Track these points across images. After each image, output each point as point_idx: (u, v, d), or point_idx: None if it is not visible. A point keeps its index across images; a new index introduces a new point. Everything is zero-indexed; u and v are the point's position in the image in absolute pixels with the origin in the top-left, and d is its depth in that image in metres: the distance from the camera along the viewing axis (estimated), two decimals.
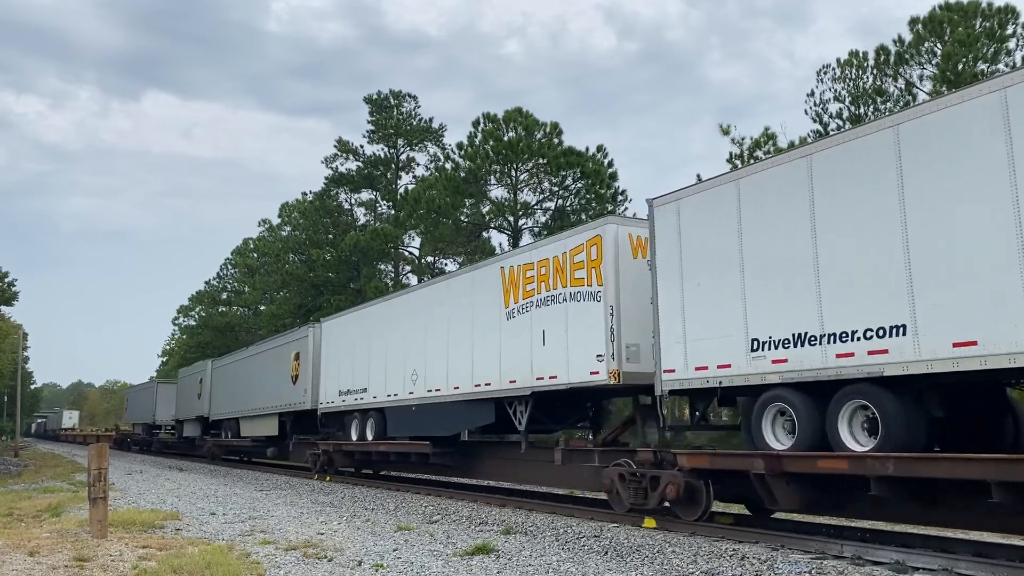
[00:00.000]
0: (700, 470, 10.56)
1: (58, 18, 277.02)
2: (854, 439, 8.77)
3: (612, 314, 12.14)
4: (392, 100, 49.03)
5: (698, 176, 32.34)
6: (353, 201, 52.16)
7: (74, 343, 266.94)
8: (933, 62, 28.07)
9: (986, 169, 7.68)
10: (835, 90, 30.43)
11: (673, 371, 10.84)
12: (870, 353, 8.47)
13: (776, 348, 9.49)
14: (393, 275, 46.81)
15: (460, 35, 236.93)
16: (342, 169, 50.06)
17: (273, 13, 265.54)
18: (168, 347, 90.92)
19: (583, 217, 35.26)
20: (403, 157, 50.11)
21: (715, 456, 10.59)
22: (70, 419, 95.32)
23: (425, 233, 39.58)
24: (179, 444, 41.76)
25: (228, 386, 31.99)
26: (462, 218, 37.22)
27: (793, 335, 9.30)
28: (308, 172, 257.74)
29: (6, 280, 59.27)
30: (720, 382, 10.18)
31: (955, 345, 7.72)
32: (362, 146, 49.75)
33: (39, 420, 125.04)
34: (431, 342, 17.10)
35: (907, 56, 28.62)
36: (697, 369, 10.49)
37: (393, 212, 46.84)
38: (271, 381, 26.24)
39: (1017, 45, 27.16)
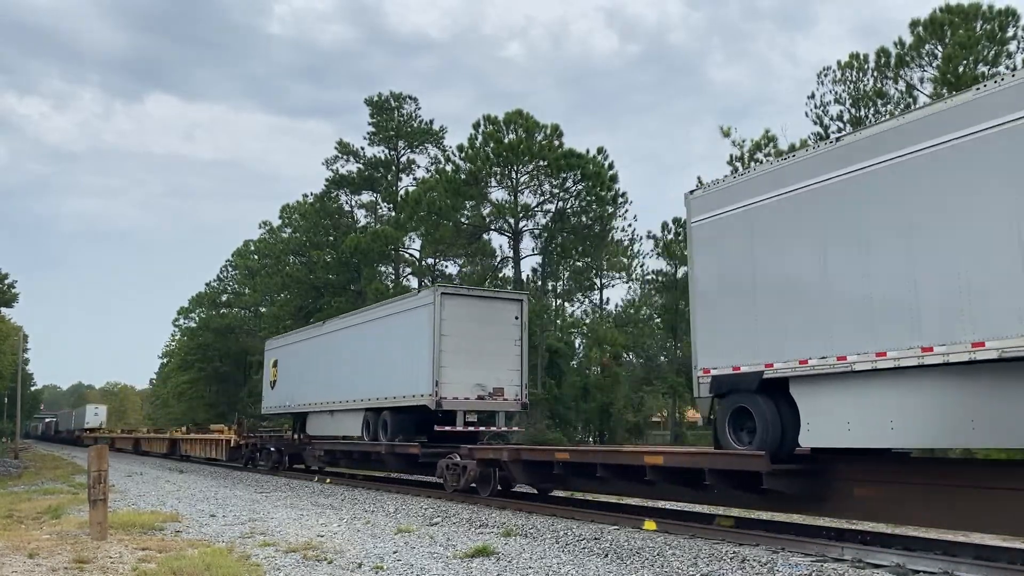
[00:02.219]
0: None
1: (62, 20, 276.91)
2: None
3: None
4: (393, 102, 49.10)
5: (698, 179, 32.33)
6: (353, 203, 52.29)
7: (74, 345, 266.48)
8: (934, 64, 28.10)
9: None
10: (836, 92, 30.51)
11: None
12: None
13: None
14: (394, 277, 46.83)
15: (462, 37, 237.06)
16: (343, 171, 50.17)
17: (275, 15, 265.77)
18: (168, 348, 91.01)
19: (583, 219, 35.36)
20: (403, 159, 50.20)
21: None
22: (96, 416, 72.70)
23: (425, 235, 39.63)
24: None
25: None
26: (462, 220, 37.27)
27: None
28: (310, 173, 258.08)
29: (6, 282, 59.36)
30: None
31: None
32: (363, 148, 49.87)
33: (47, 420, 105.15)
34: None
35: (908, 58, 28.64)
36: None
37: (393, 214, 46.89)
38: None
39: (1018, 47, 27.21)
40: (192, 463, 33.38)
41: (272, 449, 26.55)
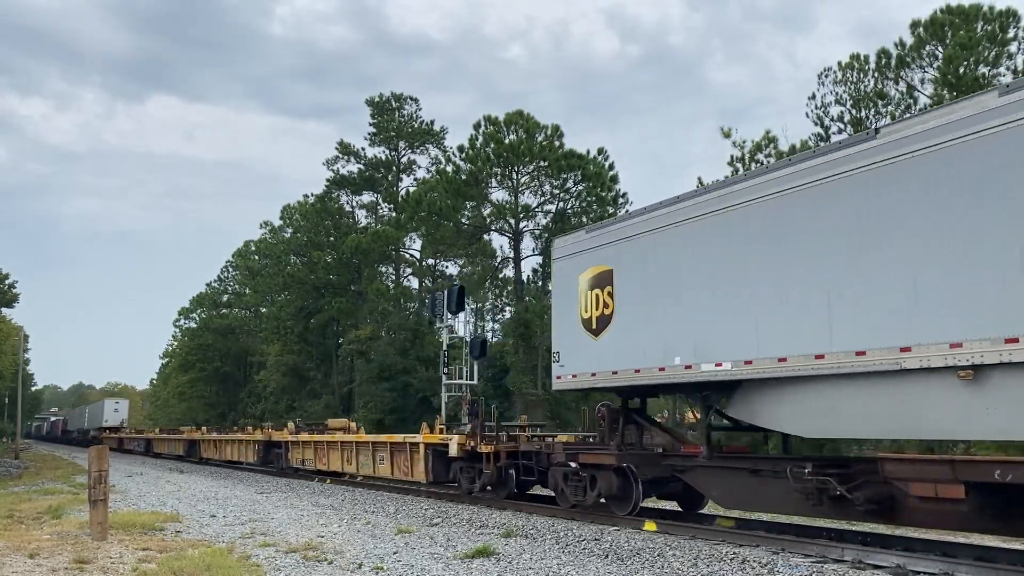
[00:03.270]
0: None
1: (64, 21, 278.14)
2: None
3: None
4: (393, 103, 49.12)
5: (698, 179, 32.33)
6: (354, 203, 52.31)
7: (75, 345, 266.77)
8: (934, 65, 28.07)
9: None
10: (836, 93, 30.44)
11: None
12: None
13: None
14: (394, 277, 46.85)
15: (463, 38, 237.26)
16: (343, 171, 50.19)
17: (276, 16, 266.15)
18: (169, 349, 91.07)
19: (584, 220, 35.27)
20: (404, 159, 50.23)
21: None
22: (116, 412, 59.65)
23: (426, 235, 39.63)
24: None
25: None
26: (463, 220, 37.23)
27: None
28: (311, 174, 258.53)
29: (6, 282, 59.36)
30: None
31: None
32: (363, 148, 49.87)
33: (53, 419, 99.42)
34: None
35: (908, 59, 28.62)
36: None
37: (394, 214, 46.88)
38: None
39: (1018, 48, 27.17)
40: (301, 480, 22.08)
41: (577, 467, 13.22)
